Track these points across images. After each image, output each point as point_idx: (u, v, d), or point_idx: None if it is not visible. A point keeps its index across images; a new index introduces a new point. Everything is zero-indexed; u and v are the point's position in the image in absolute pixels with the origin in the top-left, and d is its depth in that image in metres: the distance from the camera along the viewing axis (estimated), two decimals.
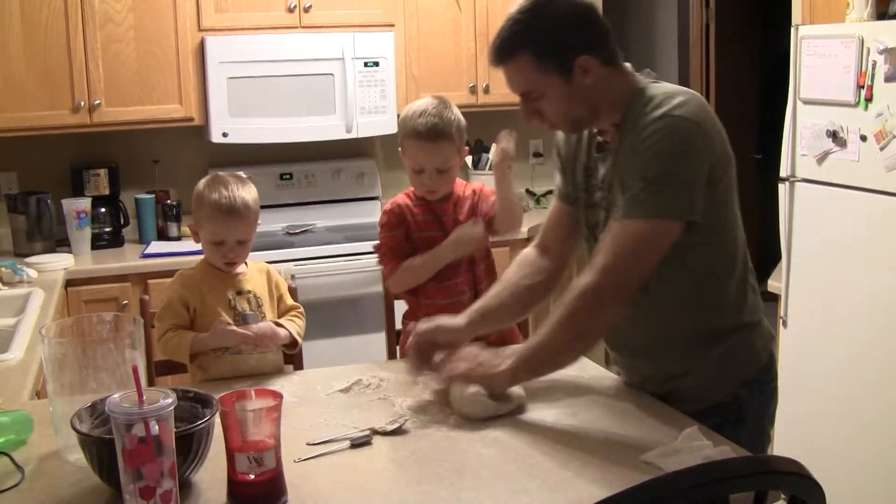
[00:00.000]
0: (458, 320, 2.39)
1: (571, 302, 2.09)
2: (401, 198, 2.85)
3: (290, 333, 2.60)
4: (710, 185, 2.07)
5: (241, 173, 2.70)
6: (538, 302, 2.48)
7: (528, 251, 2.52)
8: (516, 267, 2.49)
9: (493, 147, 2.79)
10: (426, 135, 2.69)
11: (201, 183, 2.60)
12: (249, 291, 2.62)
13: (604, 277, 2.05)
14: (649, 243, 2.05)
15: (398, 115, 4.52)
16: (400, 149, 2.80)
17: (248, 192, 2.59)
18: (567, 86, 2.10)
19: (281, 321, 2.63)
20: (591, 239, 2.30)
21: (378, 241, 2.84)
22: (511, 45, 2.11)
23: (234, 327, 2.50)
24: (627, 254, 2.05)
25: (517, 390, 2.21)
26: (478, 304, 2.44)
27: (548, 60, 2.09)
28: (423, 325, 2.39)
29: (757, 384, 2.26)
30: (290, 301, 2.73)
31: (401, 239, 2.79)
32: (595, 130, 2.26)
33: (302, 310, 2.74)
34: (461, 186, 2.89)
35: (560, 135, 2.38)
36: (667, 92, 2.11)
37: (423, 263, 2.77)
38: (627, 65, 2.21)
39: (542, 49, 2.08)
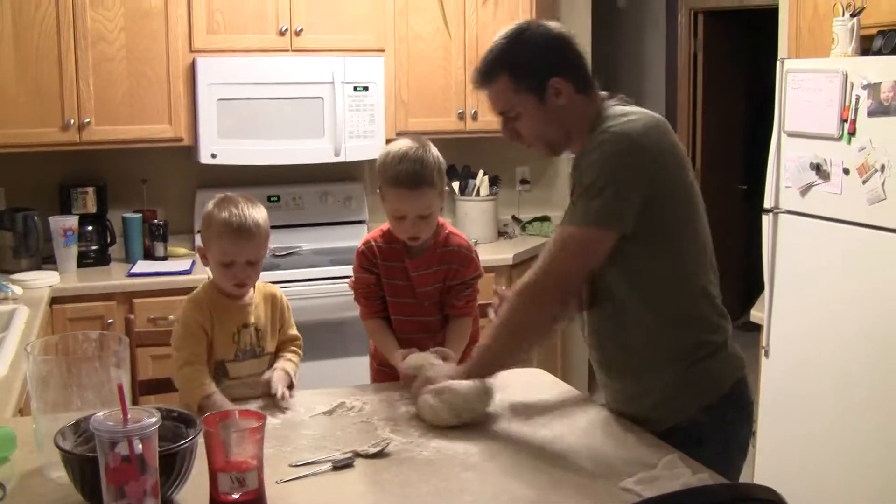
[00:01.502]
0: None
1: (511, 300, 2.29)
2: (374, 237, 2.77)
3: (292, 379, 2.56)
4: (651, 200, 2.18)
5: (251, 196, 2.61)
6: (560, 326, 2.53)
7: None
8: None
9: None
10: (407, 183, 2.58)
11: (210, 203, 2.53)
12: (254, 324, 2.54)
13: (538, 277, 2.23)
14: (580, 248, 2.21)
15: (386, 140, 4.59)
16: (378, 192, 2.71)
17: (258, 212, 2.51)
18: (541, 106, 2.28)
19: (285, 365, 2.56)
20: None
21: (352, 278, 2.81)
22: (490, 69, 2.32)
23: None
24: (560, 256, 2.22)
25: (481, 398, 2.31)
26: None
27: (522, 82, 2.28)
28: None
29: (719, 410, 2.26)
30: (291, 331, 2.65)
31: (371, 281, 2.75)
32: (572, 156, 2.37)
33: (300, 342, 2.67)
34: (442, 235, 2.75)
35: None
36: (622, 112, 2.27)
37: (383, 347, 2.75)
38: (603, 93, 2.35)
39: (519, 71, 2.28)
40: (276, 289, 2.66)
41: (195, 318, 2.47)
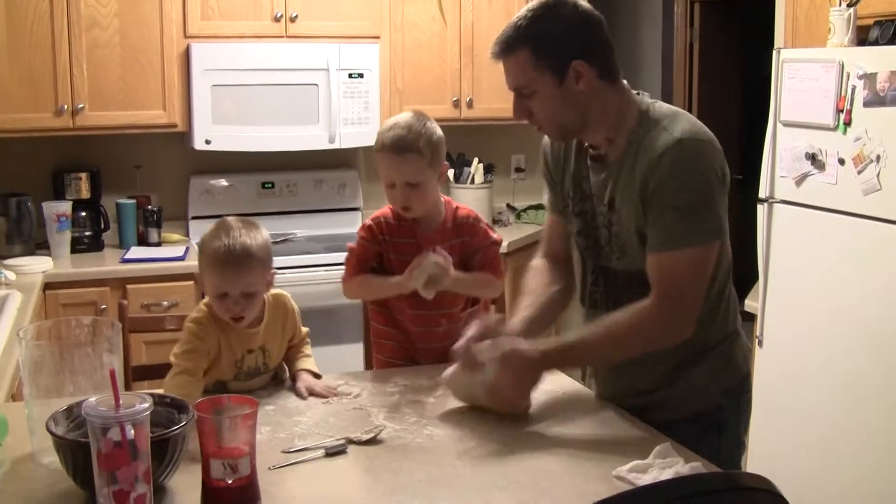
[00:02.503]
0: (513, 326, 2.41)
1: (628, 320, 2.15)
2: (385, 213, 2.76)
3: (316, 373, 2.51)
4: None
5: (253, 220, 2.45)
6: (567, 305, 2.52)
7: (538, 262, 2.57)
8: (539, 276, 2.53)
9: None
10: (391, 147, 2.59)
11: (207, 230, 2.39)
12: (261, 346, 2.41)
13: (664, 306, 2.12)
14: (699, 268, 2.13)
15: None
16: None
17: (252, 238, 2.31)
18: (559, 88, 2.16)
19: (304, 369, 2.48)
20: (578, 246, 2.36)
21: (351, 244, 2.78)
22: (513, 40, 2.17)
23: None
24: (682, 283, 2.12)
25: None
26: (521, 315, 2.45)
27: (544, 59, 2.15)
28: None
29: (735, 394, 2.31)
30: (300, 332, 2.56)
31: (370, 252, 2.72)
32: (586, 144, 2.29)
33: (309, 340, 2.60)
34: (450, 210, 2.76)
35: (547, 148, 2.42)
36: (670, 112, 2.19)
37: (376, 284, 2.70)
38: (626, 83, 2.25)
39: (540, 47, 2.15)
40: (286, 296, 2.54)
41: (201, 344, 2.33)
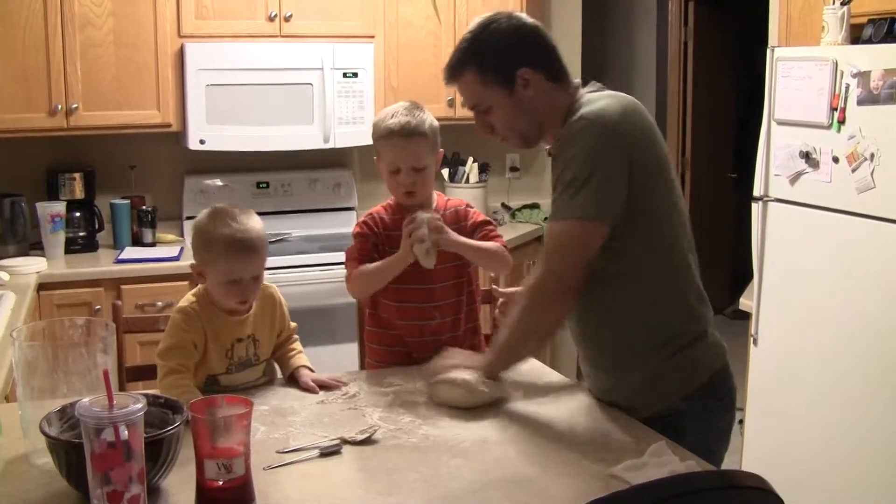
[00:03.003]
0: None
1: (521, 301, 2.30)
2: (377, 210, 2.80)
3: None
4: (634, 185, 2.17)
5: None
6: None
7: None
8: None
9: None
10: (400, 132, 2.64)
11: (202, 219, 2.37)
12: (250, 336, 2.43)
13: (542, 277, 2.25)
14: (575, 242, 2.20)
15: None
16: (375, 156, 2.76)
17: (257, 223, 2.38)
18: (511, 98, 2.28)
19: (303, 366, 2.52)
20: None
21: (349, 247, 2.78)
22: (458, 63, 2.32)
23: None
24: (559, 254, 2.22)
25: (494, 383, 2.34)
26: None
27: (489, 73, 2.27)
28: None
29: (699, 400, 2.26)
30: (289, 326, 2.58)
31: (369, 247, 2.73)
32: (546, 147, 2.39)
33: (297, 337, 2.63)
34: (442, 201, 2.82)
35: None
36: (595, 97, 2.25)
37: (377, 266, 2.68)
38: (577, 81, 2.34)
39: (485, 63, 2.27)
40: (273, 288, 2.56)
41: (186, 336, 2.33)
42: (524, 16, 2.35)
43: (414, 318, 2.73)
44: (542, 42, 2.31)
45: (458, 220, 2.79)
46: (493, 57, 2.26)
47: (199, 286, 2.43)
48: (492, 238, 2.77)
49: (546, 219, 5.17)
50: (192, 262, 2.42)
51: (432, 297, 2.72)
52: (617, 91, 2.33)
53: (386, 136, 2.67)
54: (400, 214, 2.73)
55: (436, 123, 2.74)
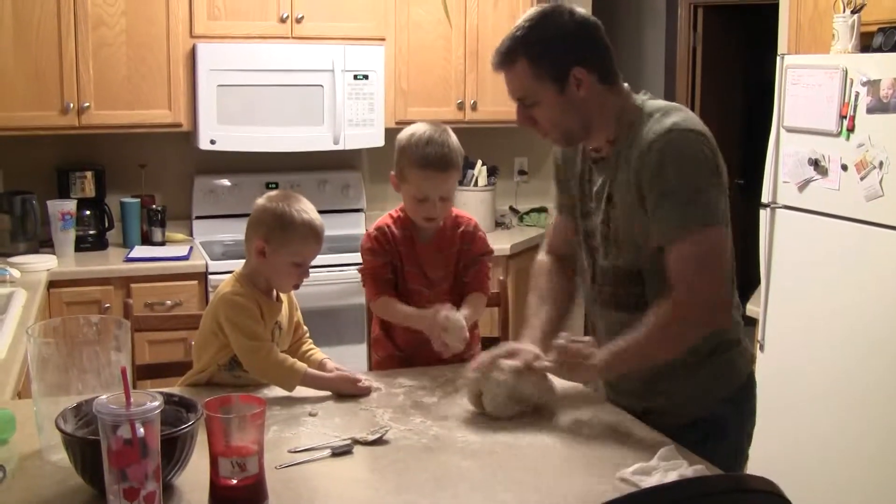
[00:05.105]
0: (532, 339, 2.39)
1: (656, 318, 2.13)
2: (386, 222, 2.75)
3: None
4: None
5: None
6: (575, 298, 2.55)
7: (544, 258, 2.60)
8: (548, 275, 2.55)
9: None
10: (438, 165, 2.57)
11: (277, 202, 2.44)
12: (278, 323, 2.50)
13: (680, 299, 2.11)
14: (706, 254, 2.11)
15: (385, 129, 4.59)
16: (394, 173, 2.68)
17: None
18: (560, 96, 2.17)
19: (324, 358, 2.58)
20: (586, 247, 2.36)
21: (362, 266, 2.77)
22: (511, 52, 2.19)
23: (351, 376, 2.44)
24: (691, 273, 2.10)
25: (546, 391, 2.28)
26: (542, 318, 2.46)
27: (543, 69, 2.16)
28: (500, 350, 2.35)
29: (737, 402, 2.30)
30: (303, 325, 2.65)
31: (382, 265, 2.70)
32: (590, 147, 2.31)
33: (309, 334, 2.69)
34: (449, 216, 2.75)
35: (558, 151, 2.45)
36: (664, 107, 2.20)
37: (405, 317, 2.66)
38: (626, 85, 2.27)
39: (539, 57, 2.16)
40: None
41: (256, 313, 2.41)
42: (585, 12, 2.25)
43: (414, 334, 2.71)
44: (599, 41, 2.21)
45: (463, 242, 2.76)
46: (548, 51, 2.16)
47: (237, 272, 2.48)
48: (481, 278, 2.76)
49: None
50: (257, 239, 2.43)
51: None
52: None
53: (420, 165, 2.59)
54: (410, 228, 2.71)
55: (460, 147, 2.68)
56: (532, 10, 2.23)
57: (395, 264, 2.71)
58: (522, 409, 2.25)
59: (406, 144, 2.63)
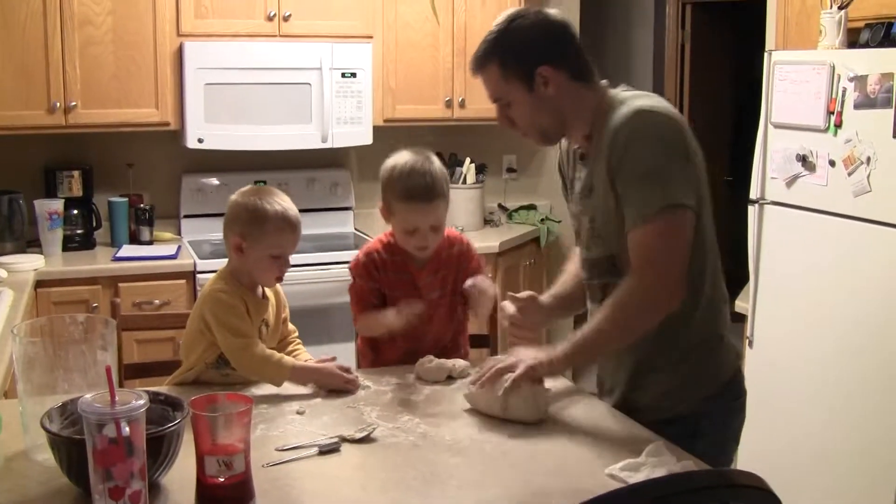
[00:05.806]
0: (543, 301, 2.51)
1: (614, 299, 2.17)
2: (374, 247, 2.71)
3: None
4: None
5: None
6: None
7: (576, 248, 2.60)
8: (573, 261, 2.58)
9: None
10: (423, 196, 2.54)
11: (249, 197, 2.47)
12: (265, 320, 2.51)
13: (636, 279, 2.14)
14: (666, 236, 2.12)
15: (374, 127, 4.58)
16: (381, 205, 2.65)
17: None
18: (530, 95, 2.25)
19: (308, 360, 2.58)
20: (580, 243, 2.40)
21: (350, 284, 2.75)
22: (483, 56, 2.29)
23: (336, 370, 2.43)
24: (651, 253, 2.12)
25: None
26: (553, 292, 2.57)
27: (510, 69, 2.25)
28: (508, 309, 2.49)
29: (719, 400, 2.29)
30: (289, 324, 2.66)
31: (368, 290, 2.68)
32: (575, 146, 2.36)
33: (300, 340, 2.70)
34: (445, 242, 2.73)
35: (560, 154, 2.50)
36: (633, 94, 2.24)
37: (375, 327, 2.67)
38: (604, 82, 2.31)
39: (507, 58, 2.25)
40: (279, 285, 2.62)
41: (241, 309, 2.41)
42: (553, 12, 2.31)
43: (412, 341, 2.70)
44: (566, 40, 2.27)
45: (461, 263, 2.74)
46: (514, 53, 2.24)
47: (221, 269, 2.49)
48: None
49: (543, 220, 5.19)
50: (233, 236, 2.45)
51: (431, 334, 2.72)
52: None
53: (405, 198, 2.56)
54: (400, 254, 2.68)
55: (447, 174, 2.66)
56: (503, 14, 2.32)
57: (384, 292, 2.69)
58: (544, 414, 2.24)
59: (389, 177, 2.61)
